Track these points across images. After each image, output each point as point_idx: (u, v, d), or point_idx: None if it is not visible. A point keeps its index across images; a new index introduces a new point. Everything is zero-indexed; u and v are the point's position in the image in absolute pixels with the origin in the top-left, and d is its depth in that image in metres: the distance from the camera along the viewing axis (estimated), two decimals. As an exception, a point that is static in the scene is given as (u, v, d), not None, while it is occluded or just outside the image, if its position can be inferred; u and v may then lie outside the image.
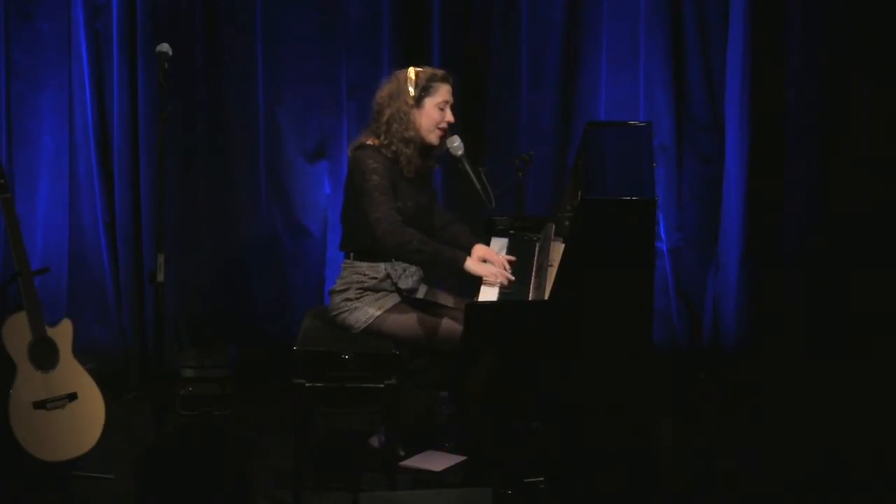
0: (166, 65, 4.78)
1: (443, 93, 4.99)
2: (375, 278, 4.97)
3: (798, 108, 6.08)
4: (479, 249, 5.06)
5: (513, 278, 4.84)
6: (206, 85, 6.08)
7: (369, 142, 4.99)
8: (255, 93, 6.11)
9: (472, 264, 4.88)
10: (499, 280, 4.83)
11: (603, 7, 6.13)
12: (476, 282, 4.92)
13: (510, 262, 4.94)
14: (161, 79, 4.76)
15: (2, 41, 5.93)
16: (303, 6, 6.09)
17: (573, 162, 5.68)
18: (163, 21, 5.97)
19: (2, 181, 4.94)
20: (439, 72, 5.03)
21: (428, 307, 5.03)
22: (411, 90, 4.94)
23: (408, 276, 5.01)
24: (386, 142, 4.95)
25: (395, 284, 4.97)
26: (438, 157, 5.13)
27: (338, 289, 5.00)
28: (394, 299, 4.98)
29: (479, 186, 5.05)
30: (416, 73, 4.98)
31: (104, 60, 6.02)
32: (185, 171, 6.10)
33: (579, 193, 4.49)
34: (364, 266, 4.97)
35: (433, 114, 4.97)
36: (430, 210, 5.14)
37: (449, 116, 5.01)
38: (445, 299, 5.11)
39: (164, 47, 4.80)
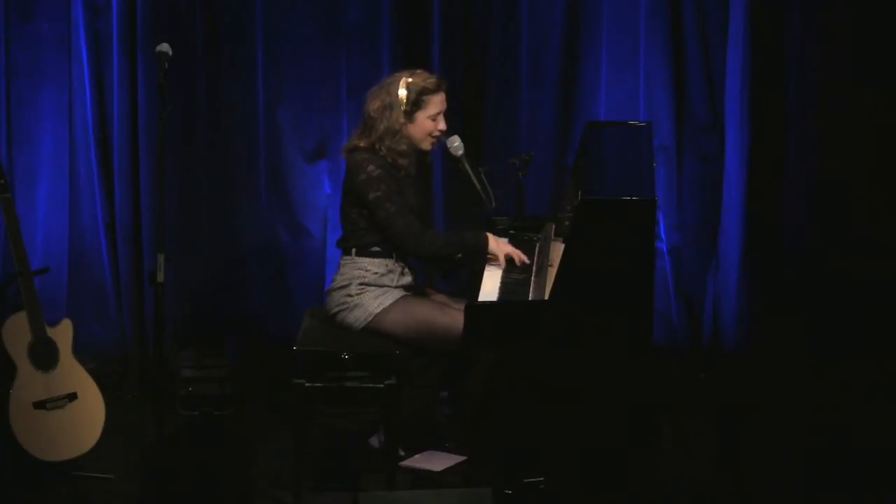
0: (166, 65, 4.78)
1: (435, 104, 4.96)
2: (377, 273, 4.96)
3: (798, 108, 6.07)
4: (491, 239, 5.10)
5: (527, 261, 4.98)
6: (206, 85, 6.08)
7: (363, 144, 4.98)
8: (255, 93, 6.10)
9: (494, 241, 4.98)
10: (517, 259, 4.95)
11: (603, 7, 6.12)
12: (475, 279, 4.93)
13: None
14: (161, 79, 4.75)
15: (2, 41, 5.93)
16: (303, 6, 6.09)
17: (573, 162, 5.68)
18: (163, 21, 5.97)
19: (2, 181, 4.94)
20: (431, 82, 4.98)
21: (427, 307, 5.02)
22: (403, 105, 4.92)
23: (405, 274, 5.02)
24: (382, 152, 4.94)
25: (400, 274, 4.98)
26: (434, 153, 5.15)
27: (337, 285, 5.00)
28: (393, 296, 4.97)
29: (479, 186, 5.06)
30: (408, 86, 4.94)
31: (104, 60, 6.02)
32: (185, 170, 6.09)
33: (579, 193, 4.49)
34: (366, 261, 4.97)
35: (425, 125, 4.97)
36: (429, 205, 5.17)
37: (441, 125, 5.00)
38: (443, 299, 5.11)
39: (164, 47, 4.80)
